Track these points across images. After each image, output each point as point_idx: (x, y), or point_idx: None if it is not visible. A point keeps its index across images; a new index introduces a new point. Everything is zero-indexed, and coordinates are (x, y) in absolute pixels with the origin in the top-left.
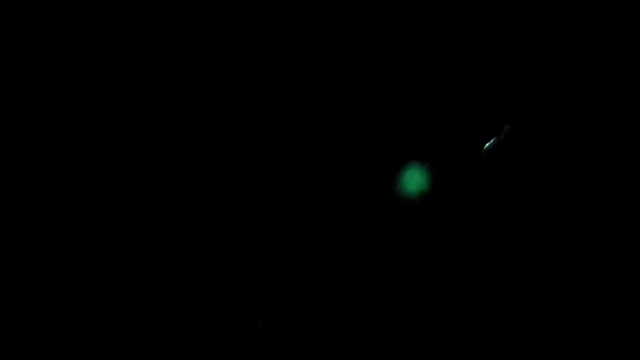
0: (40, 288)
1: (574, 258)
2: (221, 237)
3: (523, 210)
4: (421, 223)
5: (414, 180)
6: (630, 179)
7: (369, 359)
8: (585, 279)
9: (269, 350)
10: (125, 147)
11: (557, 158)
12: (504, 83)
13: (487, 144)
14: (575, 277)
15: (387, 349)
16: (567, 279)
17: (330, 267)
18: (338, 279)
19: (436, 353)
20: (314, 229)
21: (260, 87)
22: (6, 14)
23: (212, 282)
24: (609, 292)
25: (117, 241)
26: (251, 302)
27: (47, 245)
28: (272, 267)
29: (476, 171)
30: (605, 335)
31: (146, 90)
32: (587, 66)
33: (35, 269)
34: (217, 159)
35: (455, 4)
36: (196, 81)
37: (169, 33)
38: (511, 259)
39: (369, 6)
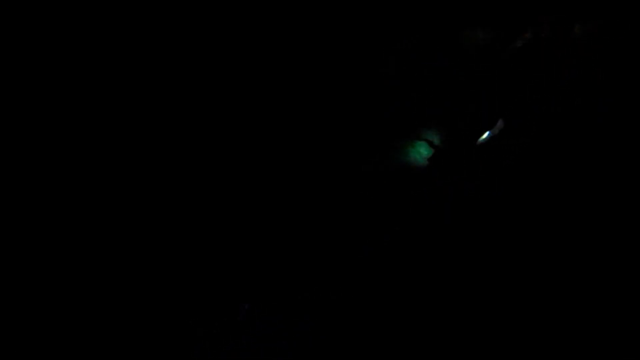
0: (40, 288)
1: (574, 257)
2: (222, 237)
3: (523, 209)
4: (421, 223)
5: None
6: (630, 178)
7: (369, 359)
8: (585, 278)
9: (269, 350)
10: (125, 147)
11: (557, 158)
12: (504, 83)
13: (481, 138)
14: (575, 276)
15: (387, 349)
16: (567, 278)
17: (330, 267)
18: (338, 279)
19: (436, 353)
20: (314, 229)
21: (261, 87)
22: (6, 14)
23: (212, 281)
24: (609, 291)
25: (117, 241)
26: (251, 301)
27: (47, 245)
28: (272, 266)
29: (476, 171)
30: (605, 335)
31: (146, 91)
32: (587, 66)
33: (35, 269)
34: (218, 159)
35: (455, 4)
36: (196, 81)
37: (169, 33)
38: (511, 258)
39: (369, 6)
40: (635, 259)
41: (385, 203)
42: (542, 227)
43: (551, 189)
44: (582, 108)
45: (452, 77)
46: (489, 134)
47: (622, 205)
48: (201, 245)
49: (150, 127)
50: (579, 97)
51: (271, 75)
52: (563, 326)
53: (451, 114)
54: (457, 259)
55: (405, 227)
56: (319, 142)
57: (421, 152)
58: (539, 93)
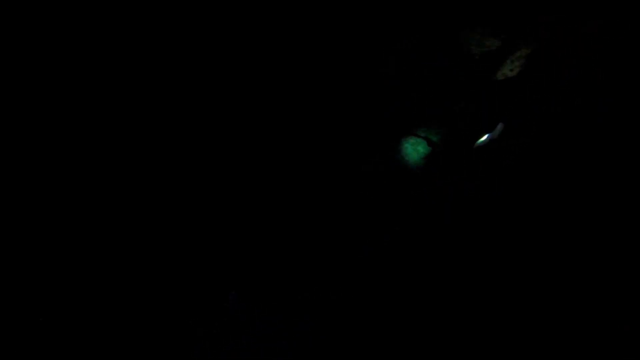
0: (40, 288)
1: (574, 257)
2: (223, 238)
3: (523, 210)
4: (421, 223)
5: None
6: (630, 178)
7: (369, 359)
8: (586, 278)
9: (269, 350)
10: (120, 145)
11: (557, 158)
12: (504, 83)
13: (480, 140)
14: (576, 276)
15: (387, 348)
16: (567, 278)
17: (330, 267)
18: (338, 279)
19: (436, 353)
20: (314, 229)
21: (262, 87)
22: (6, 14)
23: (212, 281)
24: (609, 291)
25: (116, 242)
26: (251, 301)
27: (47, 245)
28: (273, 266)
29: (476, 171)
30: (605, 335)
31: (146, 91)
32: (587, 66)
33: (36, 269)
34: (219, 159)
35: (455, 5)
36: (196, 82)
37: (169, 33)
38: (511, 258)
39: (370, 6)
40: (635, 258)
41: (385, 203)
42: (541, 226)
43: (551, 189)
44: (582, 108)
45: (452, 77)
46: (488, 137)
47: (622, 205)
48: (202, 245)
49: (147, 124)
50: (579, 97)
51: (271, 75)
52: (563, 325)
53: (451, 114)
54: (457, 258)
55: (405, 227)
56: (319, 142)
57: (421, 151)
58: (539, 93)
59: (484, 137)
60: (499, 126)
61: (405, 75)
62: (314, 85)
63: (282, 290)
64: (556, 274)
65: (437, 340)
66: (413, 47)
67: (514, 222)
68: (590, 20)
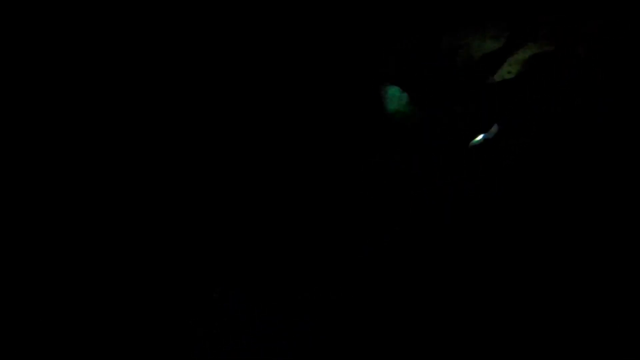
0: (40, 288)
1: (574, 257)
2: (222, 237)
3: (523, 209)
4: (421, 223)
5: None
6: (630, 178)
7: (369, 359)
8: (586, 278)
9: (269, 350)
10: (125, 147)
11: (557, 158)
12: (504, 83)
13: (475, 140)
14: (576, 276)
15: (387, 348)
16: (567, 278)
17: (330, 267)
18: (338, 279)
19: (436, 353)
20: (314, 229)
21: (260, 87)
22: (6, 14)
23: (212, 280)
24: (609, 291)
25: (116, 241)
26: (251, 301)
27: (47, 245)
28: (272, 266)
29: (476, 171)
30: (605, 335)
31: (146, 91)
32: (587, 66)
33: (36, 269)
34: (218, 159)
35: (456, 4)
36: (195, 81)
37: (169, 33)
38: (511, 258)
39: (369, 6)
40: (635, 258)
41: (385, 203)
42: (542, 227)
43: (551, 189)
44: (582, 108)
45: (452, 77)
46: (483, 137)
47: (623, 205)
48: (202, 245)
49: (142, 120)
50: (579, 97)
51: (270, 75)
52: (563, 325)
53: (451, 114)
54: (457, 259)
55: (405, 227)
56: (319, 142)
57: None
58: (539, 93)
59: (479, 137)
60: (494, 127)
61: (405, 75)
62: (313, 85)
63: (282, 290)
64: (556, 274)
65: (437, 340)
66: (413, 47)
67: (514, 222)
68: (590, 20)
